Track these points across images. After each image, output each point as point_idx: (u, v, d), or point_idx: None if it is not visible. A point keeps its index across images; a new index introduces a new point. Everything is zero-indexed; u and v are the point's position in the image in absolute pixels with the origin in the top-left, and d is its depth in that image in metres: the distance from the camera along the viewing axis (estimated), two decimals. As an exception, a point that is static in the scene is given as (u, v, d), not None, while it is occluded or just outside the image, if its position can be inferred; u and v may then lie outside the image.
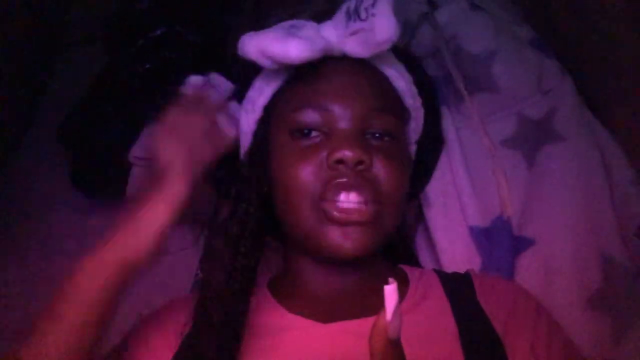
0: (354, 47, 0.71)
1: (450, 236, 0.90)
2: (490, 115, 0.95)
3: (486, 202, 0.90)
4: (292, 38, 0.68)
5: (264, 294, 0.75)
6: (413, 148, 0.85)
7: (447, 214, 0.91)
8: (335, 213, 0.67)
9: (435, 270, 0.80)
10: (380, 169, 0.70)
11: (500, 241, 0.88)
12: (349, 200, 0.68)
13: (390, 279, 0.48)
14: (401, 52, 0.82)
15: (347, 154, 0.67)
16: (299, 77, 0.74)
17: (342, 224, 0.68)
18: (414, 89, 0.81)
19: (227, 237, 0.74)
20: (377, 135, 0.72)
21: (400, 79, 0.78)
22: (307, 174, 0.69)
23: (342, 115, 0.71)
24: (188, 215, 1.02)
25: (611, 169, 0.90)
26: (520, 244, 0.87)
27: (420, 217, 0.94)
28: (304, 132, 0.72)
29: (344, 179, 0.68)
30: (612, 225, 0.86)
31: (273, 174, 0.74)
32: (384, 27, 0.66)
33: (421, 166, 0.88)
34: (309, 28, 0.72)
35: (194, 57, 0.93)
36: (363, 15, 0.67)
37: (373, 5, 0.67)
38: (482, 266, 0.87)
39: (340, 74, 0.73)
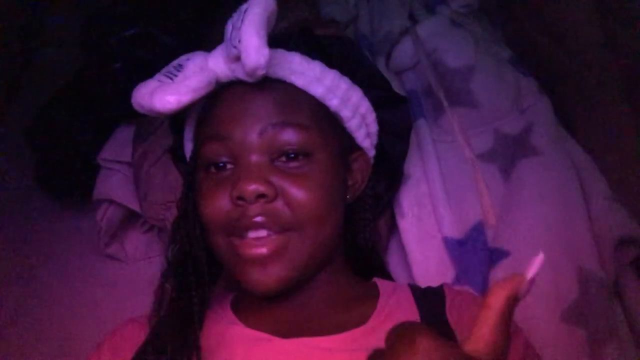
0: (241, 72, 0.66)
1: (424, 247, 0.88)
2: (468, 130, 0.95)
3: (461, 214, 0.89)
4: (159, 91, 0.64)
5: (226, 312, 0.73)
6: (370, 151, 0.80)
7: (421, 225, 0.89)
8: (245, 251, 0.65)
9: (409, 285, 0.77)
10: (290, 195, 0.65)
11: (475, 252, 0.86)
12: (255, 236, 0.65)
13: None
14: (325, 50, 0.76)
15: (245, 189, 0.63)
16: (205, 110, 0.72)
17: (255, 261, 0.65)
18: (346, 87, 0.74)
19: (176, 272, 0.73)
20: (291, 155, 0.67)
21: (315, 84, 0.71)
22: (216, 211, 0.67)
23: (243, 142, 0.67)
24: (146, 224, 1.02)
25: (586, 185, 0.90)
26: (495, 256, 0.85)
27: (393, 228, 0.92)
28: (218, 165, 0.68)
29: (248, 215, 0.65)
30: (588, 239, 0.85)
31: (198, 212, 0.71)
32: (250, 54, 0.61)
33: (388, 166, 0.85)
34: (194, 64, 0.67)
35: (167, 60, 0.92)
36: (235, 41, 0.62)
37: (240, 29, 0.61)
38: (455, 278, 0.85)
39: (237, 99, 0.69)
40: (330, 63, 0.74)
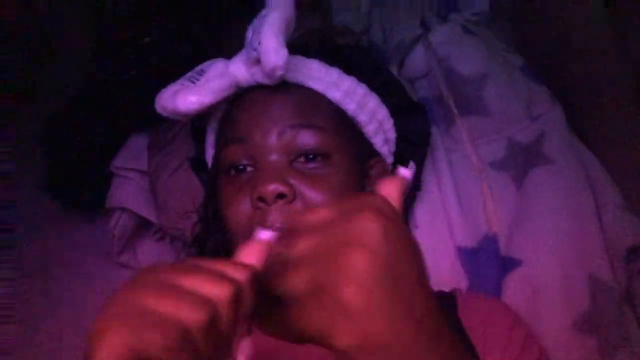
0: (261, 76, 0.68)
1: (437, 256, 0.88)
2: (480, 139, 0.95)
3: (474, 223, 0.89)
4: (181, 93, 0.67)
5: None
6: (385, 150, 0.81)
7: (434, 234, 0.90)
8: None
9: None
10: (309, 196, 0.66)
11: (488, 261, 0.87)
12: None
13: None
14: (345, 58, 0.78)
15: (265, 190, 0.64)
16: (227, 115, 0.74)
17: None
18: (363, 93, 0.76)
19: None
20: (310, 157, 0.68)
21: (333, 89, 0.73)
22: (239, 216, 0.68)
23: (262, 144, 0.68)
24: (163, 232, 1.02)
25: (599, 194, 0.90)
26: (508, 265, 0.86)
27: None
28: (238, 168, 0.70)
29: (269, 222, 0.65)
30: (601, 248, 0.85)
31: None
32: (269, 55, 0.63)
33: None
34: (216, 69, 0.70)
35: (182, 68, 0.93)
36: (255, 44, 0.65)
37: (260, 32, 0.64)
38: (468, 287, 0.86)
39: (256, 102, 0.71)
40: (348, 70, 0.76)
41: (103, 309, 0.37)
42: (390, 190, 0.44)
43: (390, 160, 0.82)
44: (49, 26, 1.16)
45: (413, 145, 0.84)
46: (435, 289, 0.80)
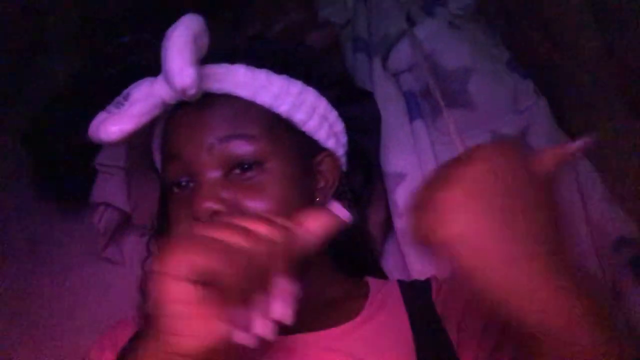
0: (178, 94, 0.66)
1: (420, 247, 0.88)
2: (465, 132, 0.95)
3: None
4: (102, 124, 0.66)
5: None
6: (332, 142, 0.78)
7: (419, 226, 0.89)
8: None
9: (398, 280, 0.79)
10: (246, 207, 0.65)
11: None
12: None
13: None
14: (274, 58, 0.76)
15: (197, 209, 0.64)
16: (164, 132, 0.73)
17: None
18: (297, 90, 0.74)
19: None
20: (245, 166, 0.67)
21: (261, 94, 0.71)
22: (180, 231, 0.68)
23: (195, 161, 0.67)
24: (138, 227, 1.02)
25: (585, 187, 0.90)
26: (492, 256, 0.85)
27: (390, 229, 0.92)
28: (180, 184, 0.69)
29: None
30: (586, 240, 0.86)
31: None
32: (174, 77, 0.62)
33: (363, 162, 0.85)
34: (139, 91, 0.68)
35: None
36: (163, 65, 0.63)
37: (165, 53, 0.63)
38: (450, 276, 0.85)
39: (185, 119, 0.70)
40: (280, 69, 0.74)
41: (173, 240, 0.47)
42: (313, 225, 0.52)
43: (340, 152, 0.79)
44: (36, 24, 1.16)
45: (363, 132, 0.83)
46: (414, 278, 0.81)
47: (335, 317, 0.69)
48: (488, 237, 0.45)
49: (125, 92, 0.69)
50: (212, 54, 0.68)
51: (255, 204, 0.65)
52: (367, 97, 0.85)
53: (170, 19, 1.03)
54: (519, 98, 0.96)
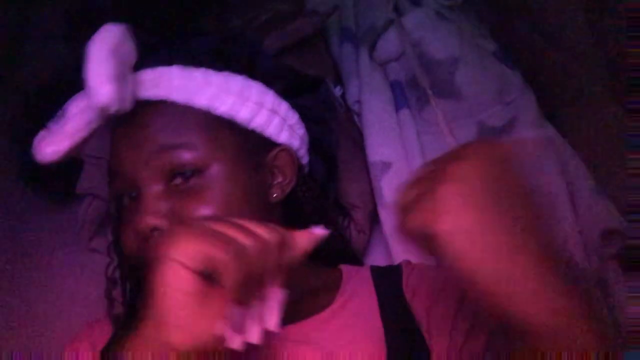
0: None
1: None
2: (452, 122, 0.95)
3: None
4: (39, 144, 0.64)
5: None
6: (285, 136, 0.75)
7: (404, 216, 0.89)
8: None
9: (370, 267, 0.78)
10: (192, 215, 0.63)
11: (458, 243, 0.85)
12: None
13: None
14: (213, 54, 0.74)
15: (138, 227, 0.63)
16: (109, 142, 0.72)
17: None
18: (239, 87, 0.71)
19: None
20: (186, 174, 0.65)
21: (198, 96, 0.68)
22: (128, 248, 0.66)
23: (134, 176, 0.65)
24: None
25: (572, 178, 0.90)
26: (479, 246, 0.85)
27: (375, 219, 0.92)
28: (130, 195, 0.67)
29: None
30: (573, 231, 0.85)
31: None
32: (93, 95, 0.60)
33: (323, 152, 0.82)
34: (76, 106, 0.65)
35: (148, 56, 0.92)
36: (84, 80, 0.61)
37: (85, 69, 0.60)
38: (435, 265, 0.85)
39: (121, 133, 0.68)
40: (219, 66, 0.71)
41: (177, 231, 0.48)
42: (301, 243, 0.54)
43: (297, 144, 0.76)
44: (23, 13, 1.16)
45: (318, 121, 0.80)
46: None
47: (308, 308, 0.69)
48: (482, 231, 0.46)
49: (64, 106, 0.66)
50: (148, 57, 0.66)
51: (198, 211, 0.63)
52: (319, 84, 0.81)
53: (160, 11, 1.04)
54: (506, 89, 0.96)
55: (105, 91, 0.59)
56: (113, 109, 0.61)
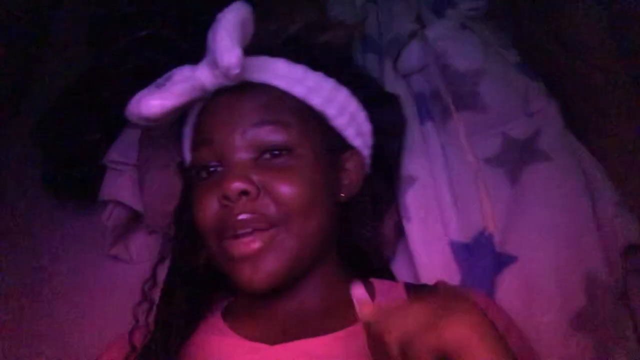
0: (222, 78, 0.70)
1: (430, 250, 0.88)
2: (475, 134, 0.95)
3: (468, 218, 0.89)
4: (144, 98, 0.69)
5: (217, 321, 0.75)
6: (359, 141, 0.81)
7: (427, 228, 0.89)
8: (235, 250, 0.67)
9: (405, 284, 0.79)
10: (274, 189, 0.68)
11: (482, 257, 0.86)
12: (242, 233, 0.67)
13: (354, 283, 0.56)
14: (310, 56, 0.80)
15: (227, 188, 0.66)
16: (197, 120, 0.76)
17: (245, 259, 0.67)
18: (330, 87, 0.78)
19: (165, 285, 0.77)
20: (275, 152, 0.70)
21: (297, 85, 0.75)
22: (206, 214, 0.69)
23: (227, 144, 0.70)
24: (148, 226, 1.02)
25: (595, 191, 0.89)
26: (503, 261, 0.85)
27: (401, 232, 0.92)
28: (208, 170, 0.72)
29: (234, 214, 0.67)
30: (596, 245, 0.85)
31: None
32: (222, 55, 0.66)
33: (385, 166, 0.87)
34: (181, 73, 0.72)
35: (180, 61, 0.92)
36: (211, 45, 0.67)
37: (214, 34, 0.66)
38: (461, 282, 0.85)
39: (221, 105, 0.73)
40: (315, 67, 0.77)
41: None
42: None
43: (366, 152, 0.83)
44: (45, 19, 1.16)
45: (388, 135, 0.86)
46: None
47: (339, 320, 0.69)
48: None
49: (166, 74, 0.72)
50: (254, 46, 0.70)
51: (283, 187, 0.68)
52: (393, 101, 0.88)
53: (183, 15, 1.04)
54: (530, 100, 0.96)
55: (235, 53, 0.65)
56: (235, 72, 0.66)
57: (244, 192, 0.66)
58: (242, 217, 0.67)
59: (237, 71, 0.66)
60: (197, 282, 0.76)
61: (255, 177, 0.68)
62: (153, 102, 0.69)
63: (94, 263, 1.06)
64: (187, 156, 0.80)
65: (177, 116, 0.75)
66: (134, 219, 1.05)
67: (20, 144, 1.10)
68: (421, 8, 1.05)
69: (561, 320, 0.80)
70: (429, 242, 0.88)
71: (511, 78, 0.97)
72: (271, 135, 0.70)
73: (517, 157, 0.92)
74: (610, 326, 0.80)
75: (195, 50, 0.98)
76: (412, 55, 0.99)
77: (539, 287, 0.82)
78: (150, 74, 0.95)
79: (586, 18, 0.95)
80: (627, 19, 0.90)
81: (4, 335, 0.99)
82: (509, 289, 0.83)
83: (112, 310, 0.98)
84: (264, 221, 0.67)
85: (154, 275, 0.79)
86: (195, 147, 0.74)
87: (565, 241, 0.84)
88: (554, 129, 0.93)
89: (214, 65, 0.68)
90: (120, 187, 1.02)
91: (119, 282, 1.03)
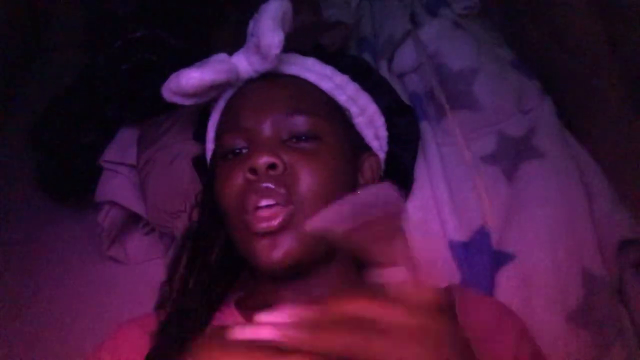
0: (255, 61, 0.75)
1: (429, 250, 0.88)
2: (471, 133, 0.95)
3: (466, 217, 0.89)
4: (184, 72, 0.74)
5: (232, 311, 0.74)
6: (376, 144, 0.84)
7: (426, 228, 0.89)
8: (255, 225, 0.67)
9: None
10: (299, 170, 0.68)
11: (480, 255, 0.86)
12: (265, 204, 0.67)
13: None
14: (336, 60, 0.83)
15: (256, 161, 0.67)
16: (226, 108, 0.78)
17: (264, 233, 0.67)
18: (354, 88, 0.81)
19: (186, 271, 0.76)
20: (302, 137, 0.71)
21: (326, 80, 0.79)
22: (231, 190, 0.70)
23: (257, 129, 0.72)
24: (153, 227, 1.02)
25: (591, 187, 0.90)
26: (501, 258, 0.85)
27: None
28: (235, 152, 0.73)
29: (259, 184, 0.68)
30: (592, 241, 0.85)
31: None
32: (265, 34, 0.71)
33: (399, 173, 0.88)
34: (218, 58, 0.77)
35: (175, 61, 0.92)
36: (254, 30, 0.73)
37: (259, 18, 0.72)
38: (461, 281, 0.85)
39: (252, 92, 0.76)
40: (341, 71, 0.81)
41: None
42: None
43: (381, 155, 0.84)
44: (41, 20, 1.15)
45: (403, 144, 0.87)
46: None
47: None
48: None
49: (203, 60, 0.77)
50: (286, 45, 0.73)
51: (306, 170, 0.68)
52: (409, 112, 0.90)
53: (179, 15, 1.03)
54: (525, 98, 0.96)
55: (277, 35, 0.71)
56: (275, 52, 0.72)
57: (272, 166, 0.67)
58: (267, 184, 0.67)
59: (277, 51, 0.71)
60: (213, 273, 0.76)
61: (282, 155, 0.68)
62: (193, 74, 0.73)
63: (90, 264, 1.06)
64: (210, 147, 0.82)
65: (208, 98, 0.78)
66: (130, 220, 1.05)
67: (15, 143, 1.09)
68: (415, 8, 1.05)
69: (559, 316, 0.80)
70: (427, 242, 0.88)
71: (505, 76, 0.98)
72: (301, 123, 0.72)
73: (513, 155, 0.93)
74: (608, 321, 0.81)
75: (190, 50, 0.99)
76: (407, 55, 0.99)
77: (537, 284, 0.82)
78: (146, 74, 0.96)
79: (580, 15, 0.96)
80: (621, 19, 0.91)
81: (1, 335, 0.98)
82: (508, 286, 0.84)
83: (110, 310, 0.98)
84: (285, 196, 0.67)
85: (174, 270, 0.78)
86: (224, 132, 0.76)
87: (562, 238, 0.84)
88: (549, 126, 0.94)
89: (250, 51, 0.74)
90: (116, 188, 1.02)
91: (114, 283, 1.03)
